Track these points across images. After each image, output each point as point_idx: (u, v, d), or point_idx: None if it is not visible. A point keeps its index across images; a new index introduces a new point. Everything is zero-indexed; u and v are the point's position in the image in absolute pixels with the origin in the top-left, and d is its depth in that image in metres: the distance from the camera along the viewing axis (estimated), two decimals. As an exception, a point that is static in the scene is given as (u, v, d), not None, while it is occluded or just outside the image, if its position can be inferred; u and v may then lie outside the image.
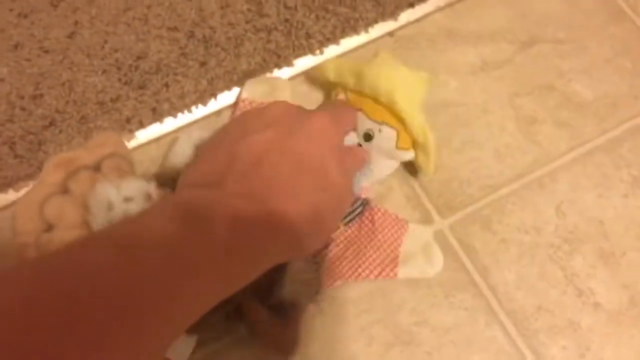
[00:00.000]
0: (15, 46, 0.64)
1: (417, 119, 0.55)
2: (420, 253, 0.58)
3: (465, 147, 0.62)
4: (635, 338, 0.56)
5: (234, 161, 0.42)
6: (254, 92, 0.61)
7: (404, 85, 0.56)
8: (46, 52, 0.64)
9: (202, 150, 0.49)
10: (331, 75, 0.59)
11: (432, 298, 0.57)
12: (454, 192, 0.61)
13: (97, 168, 0.54)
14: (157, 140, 0.62)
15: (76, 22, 0.65)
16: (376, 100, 0.56)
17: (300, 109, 0.48)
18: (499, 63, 0.67)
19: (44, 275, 0.28)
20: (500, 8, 0.70)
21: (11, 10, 0.66)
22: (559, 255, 0.59)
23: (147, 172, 0.60)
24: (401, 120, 0.55)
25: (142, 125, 0.62)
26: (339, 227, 0.57)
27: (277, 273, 0.50)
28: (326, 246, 0.56)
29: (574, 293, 0.57)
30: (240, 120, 0.46)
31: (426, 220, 0.59)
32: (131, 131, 0.61)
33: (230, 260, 0.37)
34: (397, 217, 0.59)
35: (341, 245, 0.57)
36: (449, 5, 0.69)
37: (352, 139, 0.55)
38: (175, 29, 0.65)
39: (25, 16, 0.66)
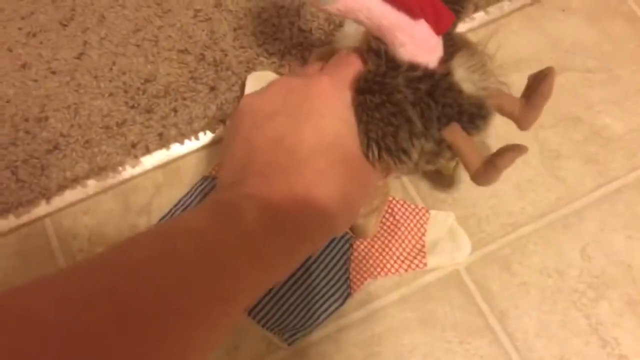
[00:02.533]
0: (23, 66, 0.63)
1: None
2: (446, 239, 0.57)
3: (485, 181, 0.59)
4: (665, 395, 0.52)
5: (252, 155, 0.41)
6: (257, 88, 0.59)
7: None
8: (53, 73, 0.62)
9: (223, 147, 0.47)
10: None
11: (446, 343, 0.53)
12: (471, 230, 0.57)
13: None
14: (163, 166, 0.60)
15: (85, 43, 0.64)
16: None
17: (300, 80, 0.44)
18: (524, 92, 0.63)
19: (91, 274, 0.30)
20: (526, 35, 0.66)
21: (20, 28, 0.64)
22: (583, 302, 0.55)
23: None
24: None
25: (148, 150, 0.59)
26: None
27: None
28: (350, 246, 0.56)
29: (598, 343, 0.53)
30: (248, 110, 0.44)
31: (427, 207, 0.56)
32: (136, 157, 0.59)
33: (265, 250, 0.37)
34: (416, 206, 0.58)
35: (365, 243, 0.56)
36: (470, 30, 0.66)
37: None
38: (185, 51, 0.63)
39: (34, 35, 0.64)
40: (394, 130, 0.40)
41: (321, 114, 0.41)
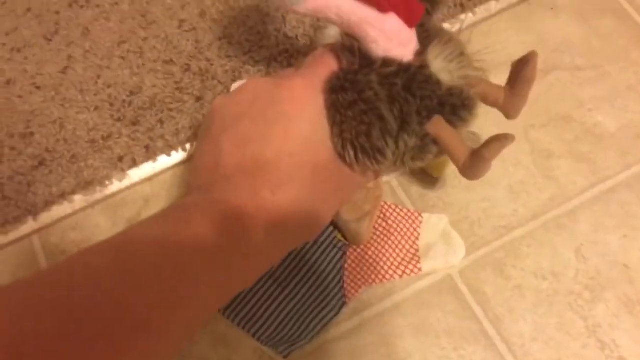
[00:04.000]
0: (8, 82, 0.62)
1: None
2: (440, 242, 0.56)
3: (476, 184, 0.58)
4: (665, 397, 0.51)
5: (220, 158, 0.40)
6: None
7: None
8: (38, 88, 0.62)
9: (194, 149, 0.48)
10: None
11: (440, 350, 0.52)
12: (464, 233, 0.57)
13: None
14: (150, 179, 0.59)
15: (70, 57, 0.63)
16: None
17: (271, 83, 0.43)
18: (513, 93, 0.62)
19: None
20: (515, 34, 0.66)
21: (4, 44, 0.64)
22: (579, 304, 0.54)
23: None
24: None
25: (135, 163, 0.59)
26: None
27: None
28: (344, 253, 0.55)
29: (596, 346, 0.52)
30: (218, 113, 0.43)
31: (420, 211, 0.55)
32: (123, 170, 0.59)
33: (226, 256, 0.36)
34: (408, 210, 0.57)
35: (359, 250, 0.56)
36: (459, 32, 0.65)
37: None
38: (171, 61, 0.63)
39: (19, 50, 0.64)
40: (366, 129, 0.39)
41: (290, 117, 0.40)
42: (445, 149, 0.42)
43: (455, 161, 0.41)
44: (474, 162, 0.40)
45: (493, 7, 0.66)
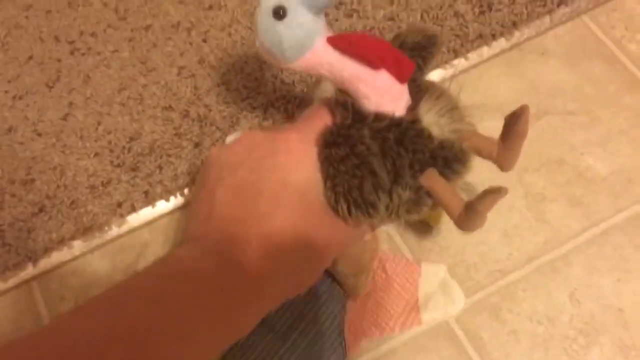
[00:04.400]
0: (9, 129, 0.63)
1: None
2: (439, 293, 0.56)
3: (472, 228, 0.59)
4: None
5: (214, 208, 0.41)
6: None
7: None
8: (39, 135, 0.63)
9: (191, 198, 0.49)
10: None
11: (437, 397, 0.53)
12: (460, 278, 0.57)
13: None
14: (149, 224, 0.60)
15: (71, 104, 0.64)
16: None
17: (268, 135, 0.44)
18: (506, 137, 0.63)
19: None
20: (506, 80, 0.67)
21: (6, 92, 0.65)
22: (574, 349, 0.54)
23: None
24: None
25: (134, 209, 0.60)
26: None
27: None
28: (344, 306, 0.55)
29: (592, 391, 0.53)
30: (214, 162, 0.44)
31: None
32: (122, 215, 0.59)
33: (215, 308, 0.37)
34: (407, 260, 0.58)
35: (359, 302, 0.56)
36: (452, 76, 0.67)
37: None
38: (170, 107, 0.64)
39: (21, 98, 0.65)
40: (359, 182, 0.40)
41: (285, 169, 0.41)
42: (439, 201, 0.43)
43: (450, 214, 0.42)
44: (469, 215, 0.41)
45: (485, 52, 0.68)
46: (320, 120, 0.43)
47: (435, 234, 0.59)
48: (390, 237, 0.59)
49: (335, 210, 0.42)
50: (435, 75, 0.66)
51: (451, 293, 0.56)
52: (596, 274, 0.57)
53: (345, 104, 0.42)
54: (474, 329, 0.55)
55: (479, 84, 0.67)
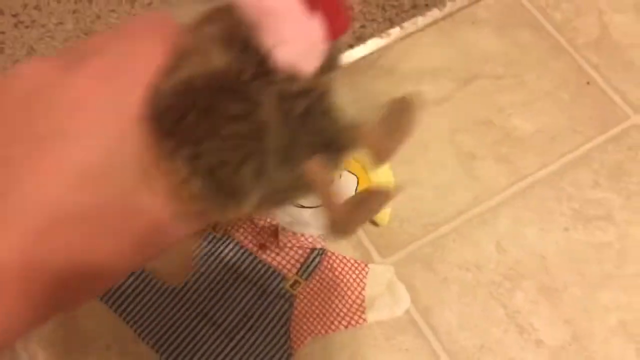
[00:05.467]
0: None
1: (383, 166, 0.56)
2: (385, 293, 0.57)
3: (406, 185, 0.62)
4: (579, 375, 0.55)
5: None
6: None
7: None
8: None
9: None
10: None
11: (372, 340, 0.56)
12: (394, 231, 0.60)
13: None
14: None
15: (15, 74, 0.65)
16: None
17: (62, 66, 0.26)
18: (439, 100, 0.67)
19: None
20: (439, 47, 0.71)
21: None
22: (500, 292, 0.58)
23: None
24: (364, 167, 0.57)
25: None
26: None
27: None
28: (291, 304, 0.56)
29: (515, 330, 0.56)
30: None
31: (367, 260, 0.59)
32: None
33: None
34: (355, 260, 0.58)
35: (306, 301, 0.57)
36: (388, 45, 0.70)
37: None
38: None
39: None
40: (240, 159, 0.28)
41: (67, 138, 0.25)
42: (319, 195, 0.32)
43: (328, 211, 0.32)
44: (347, 218, 0.32)
45: (420, 21, 0.71)
46: (159, 45, 0.26)
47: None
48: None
49: (177, 188, 0.27)
50: (372, 45, 0.69)
51: (397, 294, 0.58)
52: (521, 224, 0.61)
53: (247, 44, 0.27)
54: (408, 278, 0.59)
55: (414, 51, 0.70)
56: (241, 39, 0.27)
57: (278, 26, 0.28)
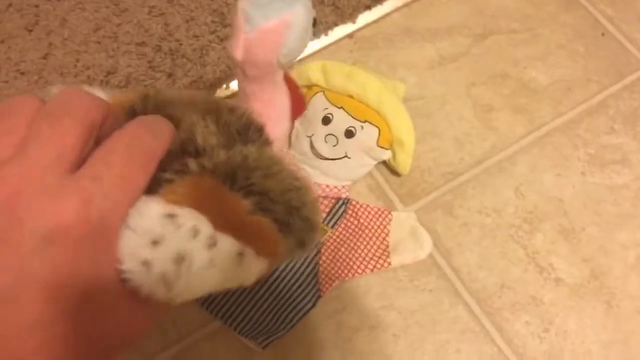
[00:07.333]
0: (-7, 70, 0.68)
1: (405, 118, 0.59)
2: (408, 238, 0.60)
3: (426, 137, 0.65)
4: (597, 310, 0.57)
5: None
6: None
7: (388, 88, 0.60)
8: (22, 73, 0.67)
9: None
10: (314, 75, 0.62)
11: (397, 282, 0.58)
12: (415, 181, 0.63)
13: None
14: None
15: (50, 44, 0.69)
16: (360, 99, 0.59)
17: None
18: (456, 56, 0.69)
19: None
20: (455, 5, 0.72)
21: (-12, 37, 0.70)
22: (519, 235, 0.60)
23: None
24: (386, 119, 0.59)
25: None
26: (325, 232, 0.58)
27: None
28: (319, 251, 0.58)
29: (535, 270, 0.58)
30: None
31: (390, 209, 0.61)
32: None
33: None
34: (379, 208, 0.61)
35: (332, 247, 0.59)
36: (405, 5, 0.72)
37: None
38: (143, 43, 0.68)
39: (2, 42, 0.69)
40: None
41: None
42: None
43: None
44: None
45: (435, -19, 0.73)
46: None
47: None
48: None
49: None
50: (389, 5, 0.71)
51: (420, 238, 0.60)
52: (538, 170, 0.63)
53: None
54: (430, 224, 0.61)
55: (430, 9, 0.72)
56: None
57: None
